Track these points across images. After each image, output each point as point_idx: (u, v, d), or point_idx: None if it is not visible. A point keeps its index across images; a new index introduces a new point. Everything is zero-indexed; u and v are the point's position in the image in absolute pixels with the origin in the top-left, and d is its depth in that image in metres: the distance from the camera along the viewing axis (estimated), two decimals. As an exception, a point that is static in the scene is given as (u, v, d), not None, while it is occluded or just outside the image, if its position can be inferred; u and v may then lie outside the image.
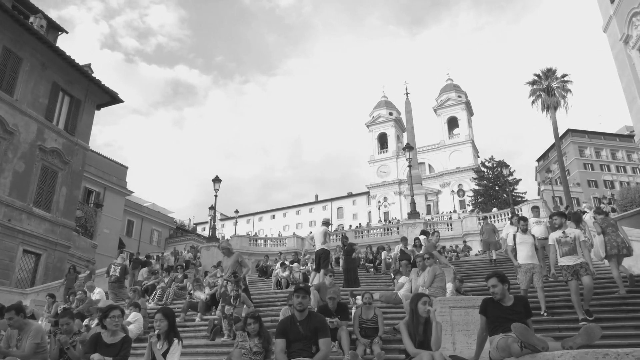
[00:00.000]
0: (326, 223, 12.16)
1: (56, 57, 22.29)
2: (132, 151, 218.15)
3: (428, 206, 64.84)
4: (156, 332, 4.72)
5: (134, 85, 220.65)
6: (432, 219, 39.27)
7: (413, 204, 22.63)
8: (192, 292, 11.30)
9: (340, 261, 14.69)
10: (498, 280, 4.69)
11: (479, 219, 29.30)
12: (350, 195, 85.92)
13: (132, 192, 43.81)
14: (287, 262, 15.86)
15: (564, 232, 7.73)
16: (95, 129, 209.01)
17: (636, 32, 14.51)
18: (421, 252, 10.47)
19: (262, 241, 36.38)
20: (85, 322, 9.03)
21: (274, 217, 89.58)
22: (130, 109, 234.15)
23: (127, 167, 42.50)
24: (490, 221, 21.30)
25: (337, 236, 33.86)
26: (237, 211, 43.96)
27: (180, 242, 48.33)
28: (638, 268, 10.43)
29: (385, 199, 77.25)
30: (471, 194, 57.20)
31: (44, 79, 21.99)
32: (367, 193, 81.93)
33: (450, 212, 55.49)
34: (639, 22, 14.30)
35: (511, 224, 12.18)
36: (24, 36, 20.64)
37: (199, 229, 77.66)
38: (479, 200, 51.99)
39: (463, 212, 51.82)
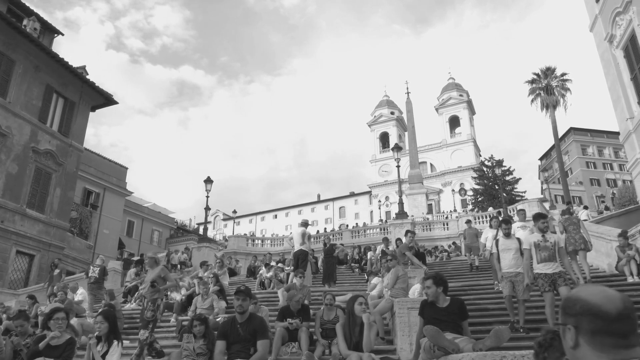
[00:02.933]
0: (305, 224, 12.23)
1: (49, 60, 22.50)
2: (137, 151, 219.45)
3: (429, 205, 64.70)
4: (96, 334, 4.81)
5: (139, 85, 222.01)
6: (427, 218, 39.24)
7: (401, 204, 22.68)
8: (168, 293, 11.40)
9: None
10: (433, 283, 4.75)
11: (474, 219, 29.33)
12: (352, 194, 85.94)
13: (132, 192, 44.13)
14: (273, 263, 15.95)
15: (543, 236, 6.98)
16: (101, 130, 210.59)
17: (619, 32, 14.46)
18: (398, 252, 10.49)
19: (260, 241, 36.56)
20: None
21: (276, 217, 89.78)
22: (136, 110, 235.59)
23: (127, 168, 42.79)
24: (474, 224, 21.11)
25: (332, 236, 33.99)
26: (234, 211, 44.17)
27: (181, 242, 48.55)
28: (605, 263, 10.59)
29: (387, 198, 77.14)
30: (472, 193, 57.10)
31: (38, 81, 22.20)
32: (369, 192, 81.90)
33: (451, 211, 55.40)
34: (622, 21, 14.25)
35: (490, 227, 11.59)
36: (16, 39, 20.83)
37: (201, 229, 77.89)
38: (479, 199, 51.89)
39: (464, 211, 51.68)
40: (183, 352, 5.25)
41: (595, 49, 16.74)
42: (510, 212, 24.06)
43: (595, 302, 1.26)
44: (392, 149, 23.85)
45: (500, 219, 10.34)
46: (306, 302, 8.80)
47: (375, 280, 9.60)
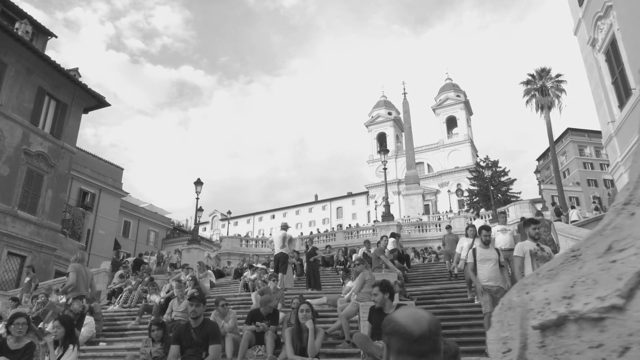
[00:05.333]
0: (284, 227, 12.39)
1: (41, 62, 22.61)
2: (137, 152, 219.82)
3: (426, 206, 64.80)
4: (52, 337, 4.95)
5: (139, 86, 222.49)
6: (421, 219, 39.38)
7: (387, 206, 22.83)
8: (147, 295, 11.56)
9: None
10: (379, 290, 4.89)
11: (467, 219, 29.40)
12: (349, 195, 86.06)
13: (128, 193, 44.27)
14: (259, 265, 16.09)
15: (539, 245, 6.36)
16: (101, 130, 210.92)
17: (601, 36, 14.58)
18: (372, 256, 10.61)
19: (254, 242, 36.68)
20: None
21: (273, 217, 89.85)
22: (136, 110, 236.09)
23: (122, 169, 42.95)
24: (454, 230, 21.00)
25: (326, 237, 34.12)
26: (229, 212, 44.34)
27: (177, 242, 48.74)
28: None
29: (384, 198, 77.20)
30: (467, 194, 57.23)
31: (30, 84, 22.33)
32: (367, 193, 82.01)
33: (447, 212, 55.50)
34: (603, 25, 14.37)
35: (466, 235, 10.99)
36: (8, 42, 20.93)
37: (200, 229, 77.91)
38: (475, 200, 52.00)
39: (459, 212, 51.81)
40: (141, 356, 5.39)
41: (580, 53, 16.88)
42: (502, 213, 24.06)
43: (403, 324, 1.38)
44: (379, 152, 24.01)
45: (480, 225, 10.11)
46: (279, 305, 8.96)
47: (350, 283, 9.73)
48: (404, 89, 68.58)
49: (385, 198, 23.12)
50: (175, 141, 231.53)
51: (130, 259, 23.29)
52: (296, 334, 5.07)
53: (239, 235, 37.78)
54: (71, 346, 4.88)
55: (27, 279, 13.29)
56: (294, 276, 14.85)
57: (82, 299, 6.98)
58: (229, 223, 48.59)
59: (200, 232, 71.90)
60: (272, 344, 6.92)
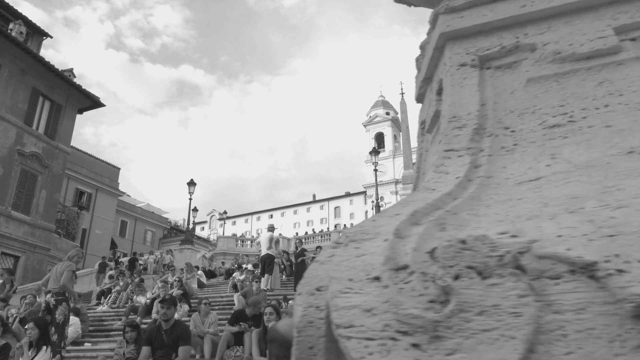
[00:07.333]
0: (271, 229, 12.53)
1: (36, 63, 22.72)
2: (137, 151, 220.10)
3: (423, 206, 64.85)
4: (26, 339, 5.08)
5: (139, 85, 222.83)
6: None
7: (377, 207, 22.94)
8: (134, 296, 11.68)
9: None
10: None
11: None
12: (347, 194, 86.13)
13: (124, 192, 44.39)
14: (249, 266, 16.20)
15: None
16: (101, 129, 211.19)
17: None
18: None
19: (249, 242, 36.82)
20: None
21: (272, 217, 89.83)
22: (136, 109, 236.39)
23: (119, 168, 43.06)
24: None
25: (321, 237, 34.29)
26: (225, 212, 44.49)
27: (174, 242, 48.73)
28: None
29: (381, 198, 77.15)
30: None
31: (24, 85, 22.44)
32: (364, 192, 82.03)
33: (443, 212, 55.67)
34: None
35: None
36: (3, 43, 21.05)
37: (197, 229, 78.00)
38: (471, 200, 52.22)
39: (455, 212, 51.87)
40: (114, 357, 5.52)
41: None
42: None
43: (282, 332, 1.50)
44: (370, 153, 24.16)
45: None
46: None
47: (333, 284, 9.86)
48: (402, 89, 68.39)
49: (376, 199, 23.26)
50: (175, 140, 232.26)
51: (125, 259, 23.45)
52: (262, 336, 5.21)
53: (235, 235, 37.95)
54: (44, 347, 5.00)
55: (1, 281, 12.70)
56: (283, 277, 15.00)
57: (43, 295, 6.99)
58: (225, 223, 48.64)
59: (198, 232, 72.11)
60: (250, 344, 7.05)
